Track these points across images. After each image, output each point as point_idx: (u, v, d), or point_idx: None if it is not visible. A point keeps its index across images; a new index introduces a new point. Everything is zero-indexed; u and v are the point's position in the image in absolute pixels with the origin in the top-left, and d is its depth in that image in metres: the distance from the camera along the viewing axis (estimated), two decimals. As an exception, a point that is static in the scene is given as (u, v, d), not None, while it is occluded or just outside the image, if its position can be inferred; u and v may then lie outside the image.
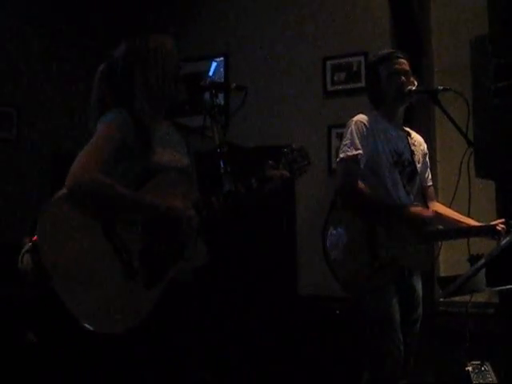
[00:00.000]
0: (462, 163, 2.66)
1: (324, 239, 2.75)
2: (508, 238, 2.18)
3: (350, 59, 4.46)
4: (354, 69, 4.44)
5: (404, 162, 2.83)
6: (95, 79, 2.25)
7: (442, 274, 4.08)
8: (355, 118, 2.80)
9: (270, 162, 2.33)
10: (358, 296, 2.77)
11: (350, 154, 2.72)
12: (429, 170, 3.04)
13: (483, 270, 2.08)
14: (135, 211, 2.06)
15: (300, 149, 2.42)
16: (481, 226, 2.80)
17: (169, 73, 2.21)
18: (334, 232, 2.76)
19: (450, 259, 3.88)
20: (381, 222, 2.71)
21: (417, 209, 2.76)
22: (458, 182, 2.69)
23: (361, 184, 2.71)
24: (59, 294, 1.92)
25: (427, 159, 3.02)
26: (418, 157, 2.92)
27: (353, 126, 2.76)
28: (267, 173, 2.29)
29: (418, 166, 2.90)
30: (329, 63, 4.53)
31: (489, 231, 2.75)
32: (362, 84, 4.21)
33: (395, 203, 2.75)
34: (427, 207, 2.94)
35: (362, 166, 2.73)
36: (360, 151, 2.71)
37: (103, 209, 2.01)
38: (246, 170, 2.15)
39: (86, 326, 1.93)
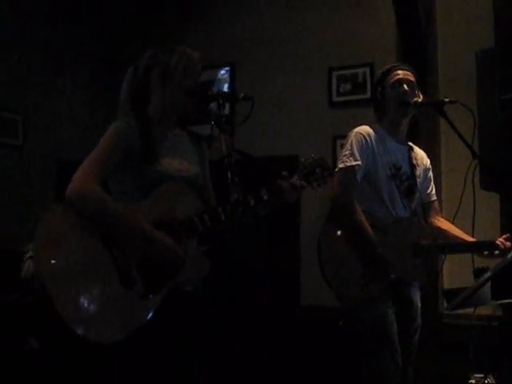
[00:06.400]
0: (466, 175, 2.66)
1: (319, 249, 2.76)
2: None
3: (356, 70, 4.48)
4: (360, 80, 4.46)
5: (402, 175, 2.84)
6: (124, 82, 2.28)
7: (446, 287, 4.08)
8: (356, 130, 2.83)
9: (284, 172, 2.23)
10: (351, 306, 2.77)
11: (348, 164, 2.75)
12: (432, 184, 3.03)
13: (488, 283, 2.08)
14: (117, 230, 2.02)
15: (319, 159, 2.31)
16: (481, 242, 2.78)
17: (185, 88, 2.21)
18: (329, 242, 2.77)
19: (454, 272, 3.87)
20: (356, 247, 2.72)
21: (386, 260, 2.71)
22: (463, 193, 2.69)
23: (357, 206, 2.71)
24: (54, 301, 1.89)
25: (430, 174, 3.02)
26: (420, 172, 2.93)
27: (353, 137, 2.80)
28: (278, 184, 2.19)
29: (419, 180, 2.90)
30: (334, 74, 4.55)
31: (490, 247, 2.74)
32: (368, 95, 4.23)
33: (374, 242, 2.70)
34: (426, 222, 2.95)
35: (359, 178, 2.75)
36: (358, 162, 2.74)
37: (93, 220, 2.00)
38: (254, 180, 2.14)
39: (79, 334, 1.90)
